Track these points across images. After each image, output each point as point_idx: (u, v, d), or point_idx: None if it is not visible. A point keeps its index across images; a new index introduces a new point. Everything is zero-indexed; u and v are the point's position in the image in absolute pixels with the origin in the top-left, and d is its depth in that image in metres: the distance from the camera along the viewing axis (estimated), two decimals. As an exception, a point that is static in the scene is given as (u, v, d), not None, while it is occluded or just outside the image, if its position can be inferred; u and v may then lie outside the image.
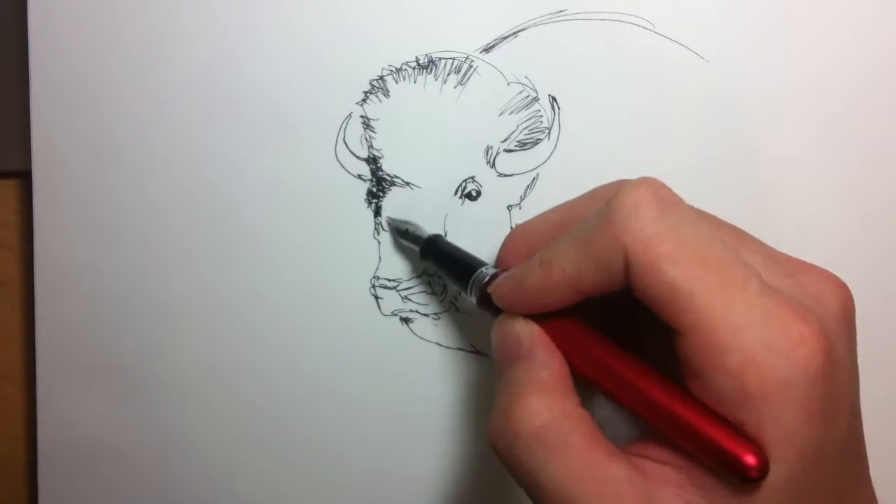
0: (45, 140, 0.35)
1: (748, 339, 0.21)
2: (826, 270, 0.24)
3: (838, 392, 0.22)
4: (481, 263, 0.29)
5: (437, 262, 0.32)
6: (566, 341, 0.25)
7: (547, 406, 0.23)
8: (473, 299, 0.29)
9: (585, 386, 0.25)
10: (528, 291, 0.25)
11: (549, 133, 0.34)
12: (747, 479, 0.20)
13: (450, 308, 0.35)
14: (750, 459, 0.20)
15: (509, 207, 0.34)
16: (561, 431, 0.22)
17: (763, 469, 0.20)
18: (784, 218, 0.34)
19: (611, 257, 0.22)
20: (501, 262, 0.29)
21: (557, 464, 0.22)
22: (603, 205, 0.23)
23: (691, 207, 0.24)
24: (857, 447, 0.24)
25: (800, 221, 0.34)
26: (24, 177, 0.36)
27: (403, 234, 0.33)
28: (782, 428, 0.20)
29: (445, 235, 0.34)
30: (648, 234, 0.22)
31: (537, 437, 0.22)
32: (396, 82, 0.34)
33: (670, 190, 0.23)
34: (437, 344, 0.35)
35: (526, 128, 0.34)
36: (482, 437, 0.35)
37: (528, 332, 0.25)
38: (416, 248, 0.33)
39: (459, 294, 0.34)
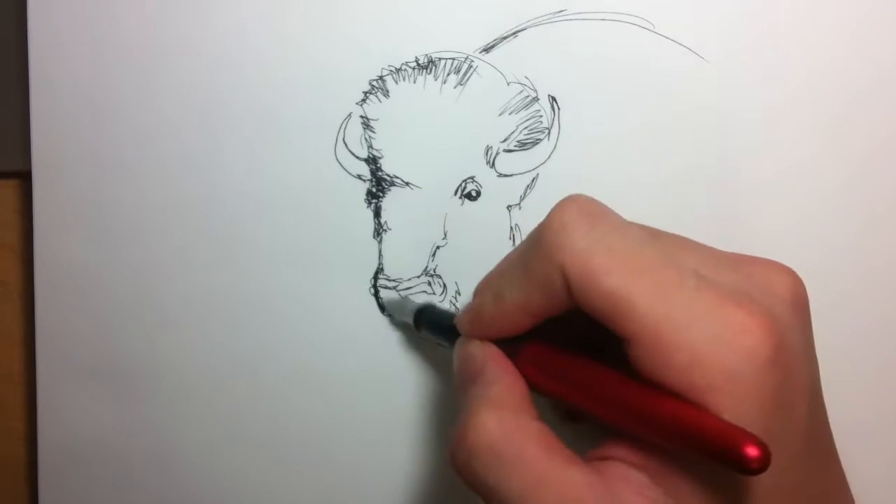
0: (45, 140, 0.35)
1: (692, 336, 0.21)
2: (774, 261, 0.24)
3: (792, 379, 0.22)
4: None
5: (430, 330, 0.32)
6: (532, 363, 0.25)
7: (498, 420, 0.23)
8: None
9: (559, 404, 0.25)
10: (486, 321, 0.26)
11: (548, 133, 0.34)
12: (749, 471, 0.20)
13: (449, 308, 0.35)
14: (751, 451, 0.19)
15: (509, 207, 0.34)
16: (515, 444, 0.23)
17: (765, 460, 0.19)
18: (784, 218, 0.34)
19: (550, 278, 0.23)
20: None
21: (515, 476, 0.22)
22: (536, 229, 0.24)
23: (620, 218, 0.24)
24: (821, 433, 0.24)
25: (800, 221, 0.34)
26: (24, 177, 0.36)
27: (397, 313, 0.34)
28: (735, 419, 0.20)
29: (445, 236, 0.34)
30: (580, 249, 0.22)
31: (491, 450, 0.23)
32: (396, 82, 0.34)
33: (598, 203, 0.24)
34: (437, 344, 0.35)
35: (526, 128, 0.34)
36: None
37: (481, 352, 0.26)
38: (411, 322, 0.33)
39: (459, 294, 0.34)
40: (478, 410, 0.24)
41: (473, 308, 0.27)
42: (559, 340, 0.26)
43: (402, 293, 0.34)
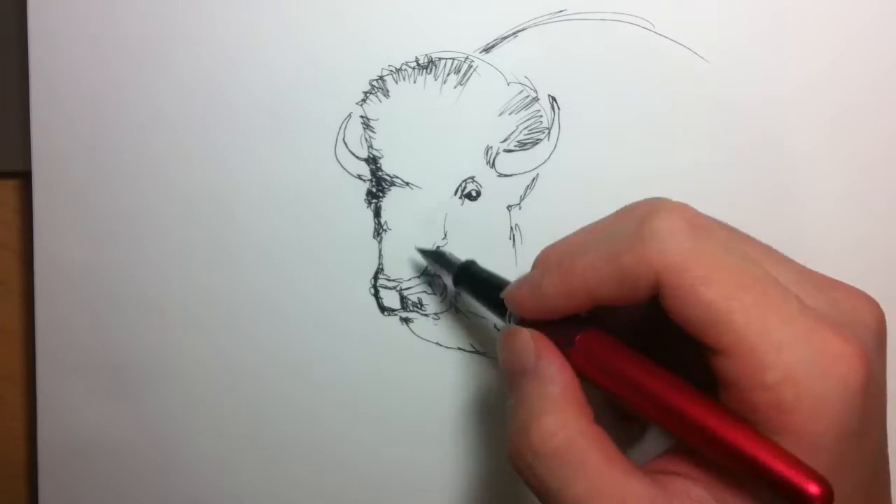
0: (45, 140, 0.35)
1: (788, 357, 0.21)
2: (858, 289, 0.24)
3: (873, 410, 0.22)
4: None
5: (471, 288, 0.31)
6: (592, 355, 0.25)
7: (562, 425, 0.23)
8: (512, 323, 0.28)
9: (607, 396, 0.25)
10: (545, 295, 0.25)
11: (548, 133, 0.34)
12: None
13: (450, 308, 0.35)
14: (813, 489, 0.20)
15: (509, 207, 0.34)
16: (579, 450, 0.23)
17: (828, 498, 0.20)
18: (784, 218, 0.34)
19: (639, 275, 0.23)
20: None
21: (578, 483, 0.22)
22: (635, 224, 0.24)
23: (724, 228, 0.24)
24: (884, 460, 0.24)
25: (800, 222, 0.34)
26: (24, 177, 0.36)
27: (436, 260, 0.33)
28: (814, 441, 0.21)
29: (445, 236, 0.34)
30: (683, 259, 0.22)
31: (556, 456, 0.23)
32: (396, 82, 0.34)
33: (703, 215, 0.24)
34: (437, 344, 0.35)
35: (526, 128, 0.34)
36: (482, 437, 0.35)
37: (533, 345, 0.26)
38: (449, 274, 0.33)
39: (459, 294, 0.34)
40: (541, 411, 0.24)
41: (533, 280, 0.26)
42: (599, 324, 0.25)
43: (402, 293, 0.34)
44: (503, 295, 0.27)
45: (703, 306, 0.22)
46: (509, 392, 0.26)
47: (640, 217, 0.24)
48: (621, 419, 0.27)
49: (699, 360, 0.23)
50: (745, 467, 0.21)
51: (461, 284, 0.32)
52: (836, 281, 0.24)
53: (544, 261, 0.27)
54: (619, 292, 0.24)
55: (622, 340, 0.25)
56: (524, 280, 0.27)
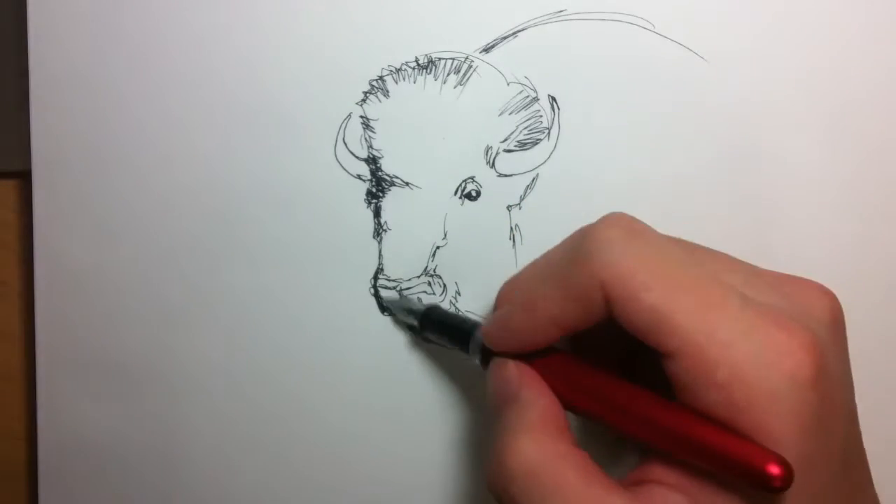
0: (45, 140, 0.35)
1: (734, 354, 0.21)
2: (812, 281, 0.24)
3: (831, 401, 0.22)
4: (476, 325, 0.30)
5: (437, 331, 0.32)
6: (562, 378, 0.25)
7: (537, 447, 0.23)
8: (476, 360, 0.29)
9: (587, 420, 0.25)
10: (515, 332, 0.26)
11: (548, 133, 0.34)
12: (772, 489, 0.20)
13: (450, 308, 0.35)
14: (773, 469, 0.20)
15: (509, 207, 0.34)
16: (554, 470, 0.23)
17: (788, 478, 0.20)
18: (784, 218, 0.34)
19: (589, 292, 0.23)
20: None
21: (555, 502, 0.22)
22: (577, 243, 0.24)
23: (662, 235, 0.24)
24: (857, 454, 0.24)
25: (800, 222, 0.34)
26: (24, 177, 0.36)
27: (400, 312, 0.34)
28: (773, 439, 0.21)
29: (445, 236, 0.34)
30: (623, 267, 0.22)
31: (530, 476, 0.23)
32: (396, 82, 0.34)
33: (639, 221, 0.24)
34: (437, 344, 0.35)
35: (526, 128, 0.34)
36: (482, 437, 0.35)
37: (516, 374, 0.26)
38: (416, 323, 0.33)
39: (459, 294, 0.34)
40: (516, 435, 0.24)
41: (502, 318, 0.27)
42: (575, 351, 0.26)
43: (403, 293, 0.34)
44: (481, 332, 0.28)
45: (647, 311, 0.22)
46: (493, 423, 0.26)
47: (578, 236, 0.24)
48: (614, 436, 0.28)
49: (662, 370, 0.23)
50: (710, 461, 0.21)
51: (426, 329, 0.33)
52: (789, 276, 0.24)
53: (506, 297, 0.27)
54: (579, 315, 0.24)
55: (594, 362, 0.25)
56: (495, 318, 0.27)
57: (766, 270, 0.25)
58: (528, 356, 0.26)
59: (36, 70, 0.34)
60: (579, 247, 0.24)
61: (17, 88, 0.35)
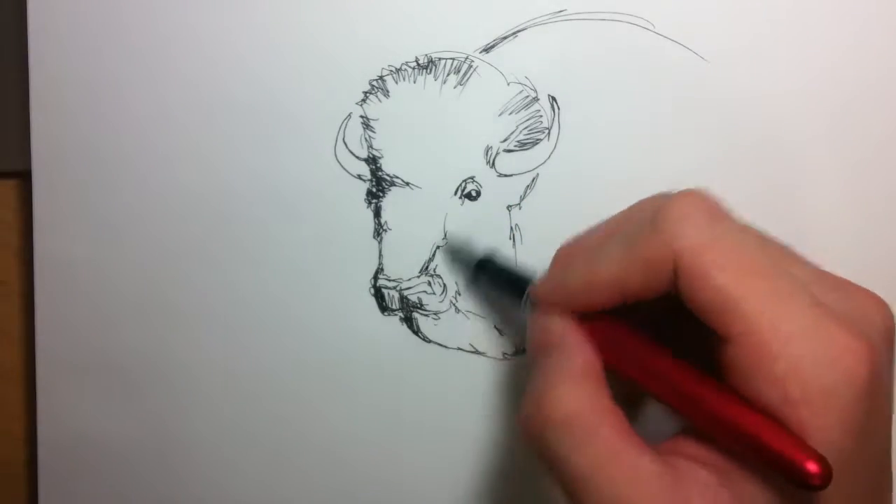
0: (45, 140, 0.35)
1: (796, 348, 0.21)
2: (870, 291, 0.24)
3: (880, 407, 0.22)
4: (532, 280, 0.29)
5: (490, 280, 0.32)
6: (609, 340, 0.25)
7: (577, 395, 0.23)
8: (527, 314, 0.29)
9: (627, 386, 0.25)
10: (571, 291, 0.26)
11: (548, 133, 0.34)
12: (809, 487, 0.20)
13: (450, 308, 0.35)
14: (813, 467, 0.20)
15: (509, 207, 0.34)
16: (591, 421, 0.23)
17: (826, 478, 0.20)
18: (783, 218, 0.34)
19: (659, 262, 0.23)
20: None
21: (587, 452, 0.22)
22: (651, 212, 0.24)
23: (739, 220, 0.24)
24: (888, 469, 0.24)
25: (799, 221, 0.34)
26: (24, 177, 0.36)
27: (456, 253, 0.34)
28: (822, 435, 0.21)
29: (445, 236, 0.34)
30: (698, 242, 0.22)
31: (567, 424, 0.23)
32: (396, 82, 0.34)
33: (719, 202, 0.24)
34: (437, 344, 0.35)
35: (526, 128, 0.34)
36: (482, 437, 0.35)
37: (561, 326, 0.26)
38: (469, 267, 0.33)
39: (459, 294, 0.34)
40: (556, 382, 0.24)
41: (558, 276, 0.26)
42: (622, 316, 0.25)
43: (403, 293, 0.34)
44: (530, 291, 0.28)
45: (716, 290, 0.22)
46: (531, 369, 0.26)
47: (656, 207, 0.24)
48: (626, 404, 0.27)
49: (712, 354, 0.23)
50: (749, 448, 0.21)
51: (480, 277, 0.32)
52: (850, 282, 0.25)
53: (565, 259, 0.27)
54: (643, 284, 0.24)
55: (644, 332, 0.25)
56: (551, 276, 0.27)
57: (830, 273, 0.25)
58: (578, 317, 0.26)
59: (36, 70, 0.34)
60: (655, 215, 0.24)
61: (17, 88, 0.35)
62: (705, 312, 0.22)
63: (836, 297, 0.23)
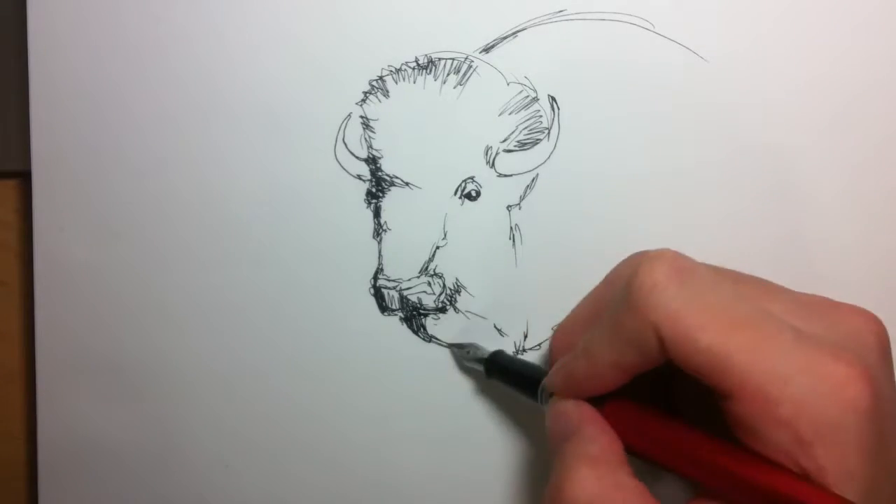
0: (45, 140, 0.35)
1: (795, 389, 0.21)
2: (856, 306, 0.24)
3: (887, 425, 0.22)
4: (544, 373, 0.30)
5: (502, 379, 0.32)
6: (621, 421, 0.25)
7: (597, 477, 0.23)
8: (545, 407, 0.29)
9: (650, 465, 0.25)
10: (579, 380, 0.26)
11: (548, 133, 0.34)
12: None
13: (450, 308, 0.35)
14: None
15: (509, 207, 0.34)
16: (613, 500, 0.23)
17: None
18: (784, 219, 0.34)
19: (643, 337, 0.23)
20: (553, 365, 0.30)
21: None
22: (623, 286, 0.24)
23: (709, 269, 0.24)
24: None
25: (799, 221, 0.34)
26: (24, 177, 0.36)
27: (465, 357, 0.34)
28: (842, 469, 0.21)
29: (445, 236, 0.34)
30: (674, 309, 0.22)
31: None
32: (396, 82, 0.34)
33: (686, 258, 0.24)
34: (437, 344, 0.35)
35: (525, 128, 0.34)
36: (482, 437, 0.35)
37: (577, 411, 0.26)
38: (480, 368, 0.33)
39: (459, 294, 0.34)
40: (577, 466, 0.24)
41: (566, 367, 0.27)
42: (639, 395, 0.26)
43: (402, 293, 0.34)
44: (545, 382, 0.28)
45: (703, 353, 0.22)
46: (552, 459, 0.26)
47: (625, 278, 0.24)
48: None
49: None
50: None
51: (493, 374, 0.33)
52: (834, 302, 0.25)
53: (560, 344, 0.28)
54: (638, 358, 0.24)
55: (656, 408, 0.25)
56: (559, 367, 0.27)
57: (810, 297, 0.25)
58: (592, 400, 0.26)
59: (36, 70, 0.34)
60: (628, 290, 0.24)
61: (17, 88, 0.35)
62: (700, 374, 0.22)
63: (823, 324, 0.23)
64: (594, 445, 0.25)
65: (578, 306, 0.29)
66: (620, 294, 0.24)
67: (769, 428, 0.21)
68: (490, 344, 0.34)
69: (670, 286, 0.23)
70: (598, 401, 0.26)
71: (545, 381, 0.28)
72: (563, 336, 0.30)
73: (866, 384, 0.21)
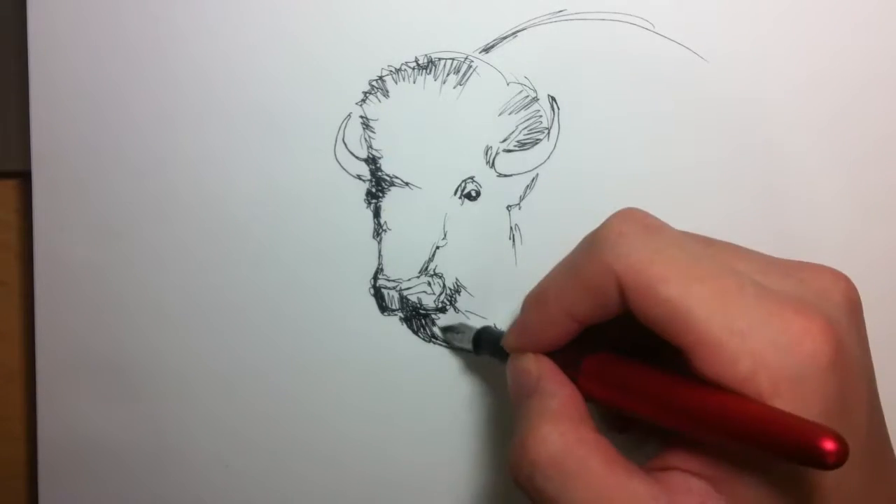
0: (45, 140, 0.35)
1: (754, 343, 0.21)
2: (825, 266, 0.24)
3: (852, 383, 0.22)
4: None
5: (491, 353, 0.32)
6: (584, 370, 0.25)
7: (559, 433, 0.23)
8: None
9: (611, 410, 0.25)
10: (532, 330, 0.26)
11: (548, 133, 0.34)
12: (826, 465, 0.19)
13: (449, 308, 0.35)
14: (828, 445, 0.19)
15: (509, 207, 0.34)
16: (577, 456, 0.23)
17: (843, 454, 0.19)
18: (784, 218, 0.34)
19: (603, 284, 0.23)
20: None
21: (578, 487, 0.22)
22: (589, 236, 0.24)
23: (676, 230, 0.24)
24: (880, 437, 0.24)
25: (798, 220, 0.34)
26: (24, 177, 0.36)
27: (453, 336, 0.34)
28: None
29: (445, 236, 0.34)
30: (637, 258, 0.22)
31: (553, 463, 0.23)
32: (396, 82, 0.34)
33: (653, 216, 0.24)
34: (437, 344, 0.35)
35: (525, 128, 0.34)
36: (482, 436, 0.35)
37: (535, 366, 0.26)
38: (469, 348, 0.33)
39: (459, 294, 0.34)
40: (539, 423, 0.24)
41: (519, 320, 0.27)
42: (609, 347, 0.26)
43: (402, 293, 0.34)
44: (502, 342, 0.28)
45: (663, 304, 0.22)
46: (515, 417, 0.26)
47: (594, 231, 0.24)
48: (616, 432, 0.27)
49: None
50: (755, 439, 0.21)
51: (480, 350, 0.33)
52: (802, 263, 0.24)
53: (526, 303, 0.28)
54: (593, 307, 0.24)
55: (630, 355, 0.25)
56: (514, 323, 0.27)
57: (780, 259, 0.25)
58: (563, 357, 0.26)
59: (36, 70, 0.34)
60: (592, 240, 0.24)
61: (17, 88, 0.35)
62: (659, 327, 0.22)
63: (789, 282, 0.23)
64: (554, 400, 0.25)
65: (550, 272, 0.29)
66: (584, 244, 0.24)
67: (729, 382, 0.21)
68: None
69: (636, 237, 0.23)
70: (575, 357, 0.26)
71: (502, 340, 0.28)
72: (529, 295, 0.29)
73: (828, 338, 0.21)
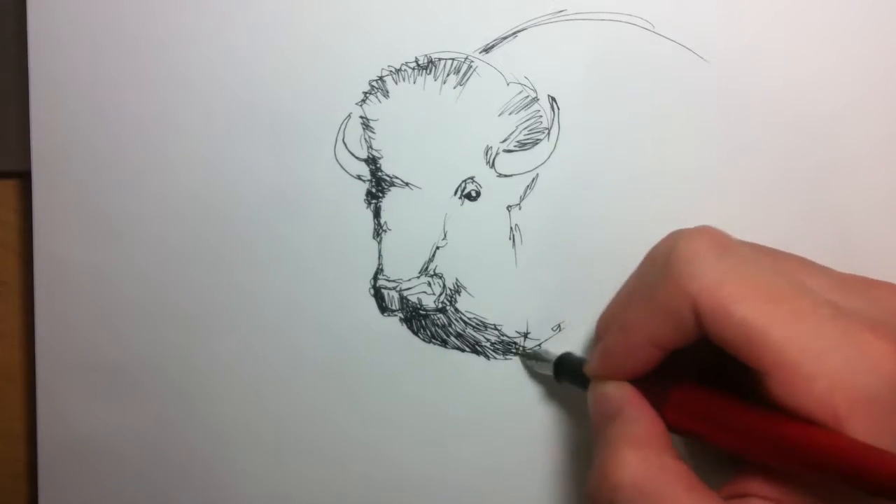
0: (45, 140, 0.35)
1: (830, 363, 0.21)
2: (894, 284, 0.24)
3: None
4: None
5: (571, 380, 0.32)
6: (666, 400, 0.25)
7: (641, 458, 0.23)
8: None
9: (691, 439, 0.25)
10: (615, 358, 0.26)
11: (548, 133, 0.34)
12: None
13: (449, 308, 0.35)
14: None
15: (509, 208, 0.34)
16: (659, 482, 0.23)
17: None
18: (783, 218, 0.34)
19: (679, 308, 0.23)
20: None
21: None
22: (664, 258, 0.24)
23: (749, 245, 0.24)
24: None
25: (798, 220, 0.34)
26: (24, 177, 0.36)
27: (533, 363, 0.34)
28: (878, 443, 0.21)
29: (445, 236, 0.34)
30: (711, 280, 0.22)
31: (635, 488, 0.23)
32: (396, 83, 0.34)
33: (725, 234, 0.24)
34: (437, 344, 0.35)
35: (525, 128, 0.34)
36: (482, 436, 0.35)
37: (619, 393, 0.26)
38: (550, 374, 0.33)
39: (459, 294, 0.34)
40: (621, 448, 0.24)
41: (601, 347, 0.27)
42: (686, 372, 0.25)
43: (402, 293, 0.34)
44: (584, 369, 0.28)
45: (738, 325, 0.22)
46: (595, 443, 0.26)
47: (665, 252, 0.24)
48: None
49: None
50: (844, 475, 0.21)
51: (560, 377, 0.32)
52: (873, 280, 0.24)
53: (602, 329, 0.28)
54: (673, 332, 0.24)
55: (708, 382, 0.25)
56: (596, 349, 0.27)
57: (848, 275, 0.25)
58: (648, 387, 0.26)
59: (36, 70, 0.34)
60: (666, 262, 0.24)
61: (17, 88, 0.35)
62: (734, 349, 0.22)
63: (860, 301, 0.23)
64: (637, 427, 0.24)
65: (622, 287, 0.28)
66: (658, 268, 0.24)
67: (805, 402, 0.21)
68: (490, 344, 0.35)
69: (709, 258, 0.23)
70: (661, 388, 0.26)
71: (584, 367, 0.28)
72: (606, 318, 0.29)
73: None
